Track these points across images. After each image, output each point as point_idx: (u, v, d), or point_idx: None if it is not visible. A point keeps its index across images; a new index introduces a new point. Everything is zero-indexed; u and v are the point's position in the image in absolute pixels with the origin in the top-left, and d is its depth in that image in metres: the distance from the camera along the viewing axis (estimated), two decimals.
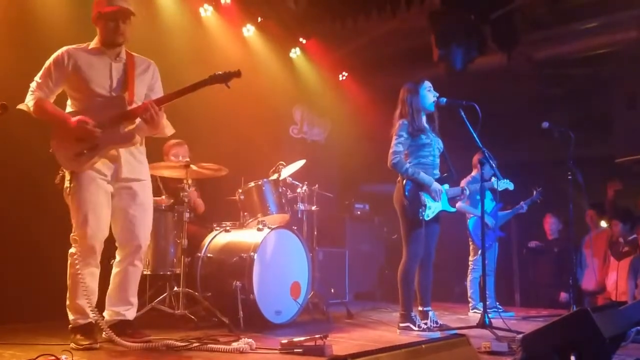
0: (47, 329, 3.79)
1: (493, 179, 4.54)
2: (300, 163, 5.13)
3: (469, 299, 5.62)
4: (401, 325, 4.14)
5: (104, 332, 3.31)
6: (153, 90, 3.57)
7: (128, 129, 3.41)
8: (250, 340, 3.36)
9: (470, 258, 5.69)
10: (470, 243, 5.69)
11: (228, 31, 6.35)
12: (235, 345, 3.28)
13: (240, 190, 4.83)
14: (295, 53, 7.27)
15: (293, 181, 5.13)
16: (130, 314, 3.50)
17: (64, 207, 3.37)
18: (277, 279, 4.44)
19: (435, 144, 4.28)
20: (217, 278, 4.41)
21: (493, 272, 5.63)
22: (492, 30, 6.23)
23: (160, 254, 4.55)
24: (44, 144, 3.37)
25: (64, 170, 3.31)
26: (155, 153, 4.88)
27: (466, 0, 6.09)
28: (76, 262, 3.21)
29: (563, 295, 6.68)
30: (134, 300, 3.53)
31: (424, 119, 4.28)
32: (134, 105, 3.41)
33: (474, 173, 5.44)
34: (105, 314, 3.42)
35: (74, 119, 3.26)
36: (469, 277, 5.64)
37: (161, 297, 4.34)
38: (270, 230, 4.42)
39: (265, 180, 4.82)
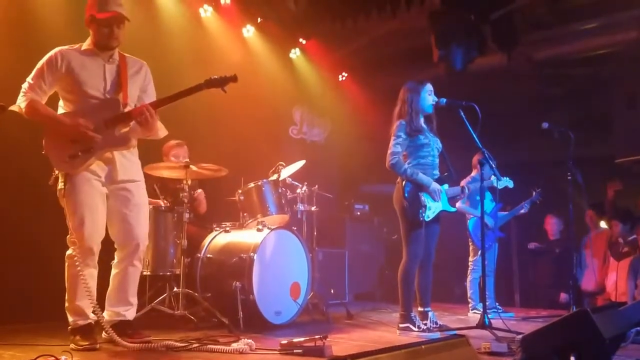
0: (47, 330, 3.79)
1: (492, 177, 4.54)
2: (300, 163, 5.13)
3: (469, 300, 5.62)
4: (401, 325, 4.14)
5: (104, 333, 3.31)
6: (146, 92, 3.56)
7: (123, 132, 3.41)
8: (249, 340, 3.36)
9: (470, 259, 5.69)
10: (470, 244, 5.69)
11: (228, 32, 6.35)
12: (235, 345, 3.28)
13: (239, 191, 4.83)
14: (295, 53, 7.27)
15: (293, 182, 5.13)
16: (130, 314, 3.49)
17: (62, 207, 3.37)
18: (277, 280, 4.44)
19: (433, 144, 4.28)
20: (216, 279, 4.41)
21: (493, 273, 5.63)
22: (492, 30, 6.23)
23: (160, 255, 4.55)
24: (41, 142, 3.36)
25: (58, 171, 3.29)
26: (155, 154, 4.88)
27: (466, 0, 6.09)
28: (77, 263, 3.21)
29: (563, 296, 6.68)
30: (134, 300, 3.53)
31: (422, 119, 4.28)
32: (128, 108, 3.41)
33: (473, 173, 5.44)
34: (105, 314, 3.41)
35: (71, 121, 3.24)
36: (469, 278, 5.64)
37: (161, 297, 4.34)
38: (270, 230, 4.42)
39: (264, 180, 4.82)
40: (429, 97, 4.25)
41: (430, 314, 4.26)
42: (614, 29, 6.35)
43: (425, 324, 4.14)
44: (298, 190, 5.13)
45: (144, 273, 4.41)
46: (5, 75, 4.16)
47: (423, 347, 2.02)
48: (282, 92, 7.01)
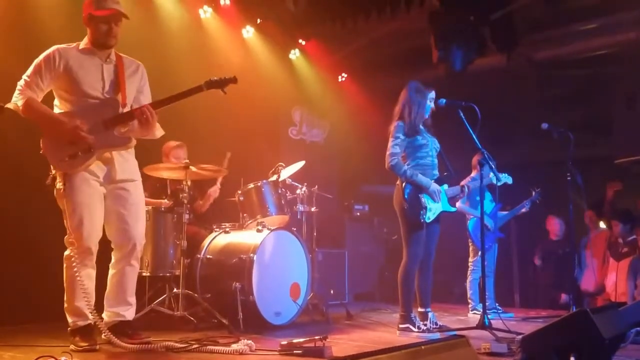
0: (47, 331, 3.79)
1: (491, 175, 4.54)
2: (300, 164, 5.13)
3: (469, 300, 5.62)
4: (401, 326, 4.14)
5: (103, 334, 3.31)
6: (142, 92, 3.56)
7: (123, 132, 3.41)
8: (249, 341, 3.36)
9: (470, 259, 5.69)
10: (470, 244, 5.69)
11: (227, 33, 6.36)
12: (234, 346, 3.28)
13: (239, 192, 4.83)
14: (294, 54, 7.27)
15: (292, 182, 5.13)
16: (130, 314, 3.49)
17: (60, 207, 3.36)
18: (277, 280, 4.44)
19: (431, 145, 4.28)
20: (216, 279, 4.40)
21: (493, 273, 5.63)
22: (491, 31, 6.23)
23: (159, 256, 4.55)
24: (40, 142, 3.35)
25: (56, 171, 3.28)
26: (155, 154, 4.89)
27: (466, 1, 6.09)
28: (74, 264, 3.20)
29: (563, 297, 6.68)
30: (133, 300, 3.52)
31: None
32: (127, 108, 3.41)
33: (473, 174, 5.44)
34: (104, 315, 3.40)
35: (69, 121, 3.22)
36: (469, 278, 5.64)
37: (161, 298, 4.34)
38: (269, 231, 4.42)
39: (264, 181, 4.82)
40: (430, 103, 4.26)
41: (430, 314, 4.25)
42: (614, 30, 6.35)
43: (425, 325, 4.14)
44: (298, 191, 5.13)
45: (144, 274, 4.41)
46: (4, 75, 4.17)
47: (423, 347, 2.02)
48: (282, 93, 7.01)
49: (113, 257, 3.48)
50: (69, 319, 3.31)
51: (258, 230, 4.43)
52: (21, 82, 3.26)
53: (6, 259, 4.23)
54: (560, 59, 6.91)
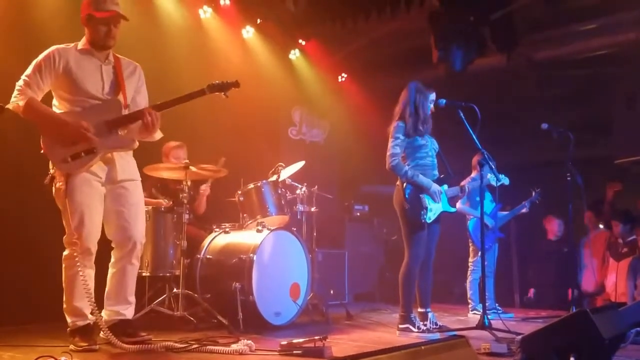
0: (47, 331, 3.79)
1: (489, 175, 4.54)
2: (300, 164, 5.13)
3: (469, 300, 5.62)
4: (400, 326, 4.14)
5: (101, 333, 3.30)
6: (139, 93, 3.56)
7: (127, 133, 3.42)
8: (249, 341, 3.36)
9: (470, 259, 5.69)
10: (470, 244, 5.69)
11: (227, 33, 6.36)
12: (234, 346, 3.28)
13: (239, 192, 4.83)
14: (294, 54, 7.27)
15: (292, 182, 5.13)
16: (130, 313, 3.49)
17: (59, 207, 3.36)
18: (277, 281, 4.44)
19: (431, 145, 4.28)
20: (216, 279, 4.40)
21: (493, 274, 5.63)
22: (491, 31, 6.23)
23: (159, 256, 4.55)
24: (39, 143, 3.35)
25: (56, 171, 3.27)
26: (155, 155, 4.89)
27: (466, 1, 6.09)
28: (77, 263, 3.20)
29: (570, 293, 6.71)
30: (132, 299, 3.52)
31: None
32: (128, 109, 3.42)
33: (473, 174, 5.44)
34: (103, 314, 3.40)
35: (73, 122, 3.21)
36: (469, 279, 5.64)
37: (160, 298, 4.34)
38: (269, 231, 4.42)
39: (264, 181, 4.82)
40: (430, 104, 4.26)
41: (430, 314, 4.26)
42: (614, 30, 6.35)
43: (425, 325, 4.14)
44: (298, 191, 5.13)
45: (144, 274, 4.41)
46: (3, 75, 4.17)
47: (423, 347, 2.02)
48: (282, 93, 7.01)
49: (113, 257, 3.48)
50: (69, 319, 3.31)
51: (258, 231, 4.43)
52: (20, 82, 3.25)
53: (6, 259, 4.22)
54: (560, 59, 6.91)
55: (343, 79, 7.92)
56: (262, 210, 4.74)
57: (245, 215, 4.80)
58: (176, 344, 3.32)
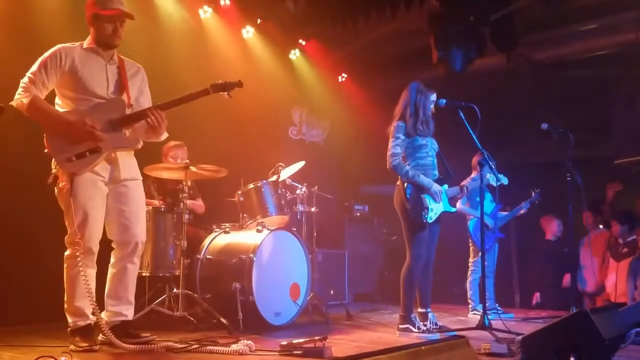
0: (47, 331, 3.79)
1: (489, 175, 4.54)
2: (300, 164, 5.13)
3: (469, 301, 5.62)
4: (401, 326, 4.14)
5: (100, 335, 3.31)
6: (143, 94, 3.57)
7: (131, 133, 3.43)
8: (249, 342, 3.36)
9: (470, 259, 5.69)
10: (471, 244, 5.69)
11: (227, 33, 6.36)
12: (234, 347, 3.28)
13: (239, 192, 4.83)
14: (294, 54, 7.27)
15: (292, 182, 5.13)
16: (131, 313, 3.49)
17: (60, 206, 3.36)
18: (277, 281, 4.44)
19: (431, 145, 4.29)
20: (216, 280, 4.40)
21: (493, 274, 5.63)
22: (491, 31, 6.23)
23: (159, 256, 4.55)
24: (40, 142, 3.34)
25: (60, 170, 3.27)
26: (155, 154, 4.88)
27: (466, 1, 6.09)
28: (79, 263, 3.20)
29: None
30: (133, 299, 3.52)
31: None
32: (132, 109, 3.42)
33: (473, 174, 5.44)
34: (104, 315, 3.39)
35: (78, 120, 3.21)
36: (469, 279, 5.64)
37: (160, 298, 4.34)
38: (269, 231, 4.42)
39: (264, 181, 4.82)
40: (431, 105, 4.26)
41: (430, 315, 4.26)
42: (613, 31, 6.35)
43: (425, 325, 4.14)
44: (298, 191, 5.13)
45: (144, 274, 4.41)
46: (4, 74, 4.18)
47: (423, 348, 2.02)
48: (282, 93, 7.01)
49: (114, 256, 3.47)
50: (69, 319, 3.31)
51: (258, 231, 4.43)
52: (25, 80, 3.24)
53: (6, 259, 4.22)
54: (560, 60, 6.91)
55: (343, 79, 7.93)
56: (262, 211, 4.74)
57: (245, 215, 4.80)
58: (176, 344, 3.32)
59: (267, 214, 4.72)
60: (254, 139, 6.26)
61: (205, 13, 6.14)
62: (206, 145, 5.46)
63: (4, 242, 4.23)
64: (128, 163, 3.46)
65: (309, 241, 5.27)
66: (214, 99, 3.64)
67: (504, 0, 6.10)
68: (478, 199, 4.74)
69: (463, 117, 4.19)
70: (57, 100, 3.37)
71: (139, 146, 3.49)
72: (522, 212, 5.85)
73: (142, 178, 3.60)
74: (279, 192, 4.87)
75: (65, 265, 3.31)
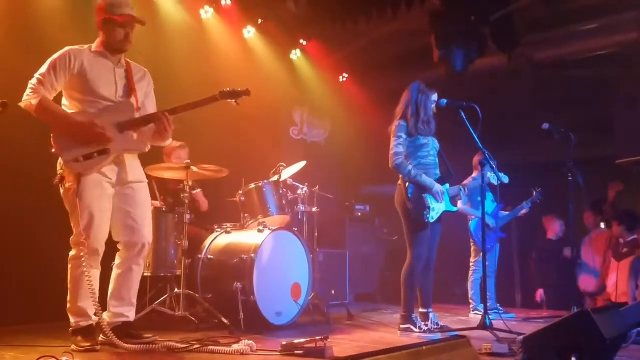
0: (49, 331, 3.80)
1: (489, 174, 4.54)
2: (301, 164, 5.13)
3: (470, 301, 5.62)
4: (402, 326, 4.14)
5: (101, 336, 3.31)
6: (148, 98, 3.60)
7: (139, 135, 3.46)
8: (250, 342, 3.36)
9: (472, 259, 5.69)
10: (472, 244, 5.69)
11: (229, 33, 6.37)
12: (235, 347, 3.29)
13: (240, 192, 4.84)
14: (295, 54, 7.28)
15: (294, 182, 5.13)
16: (132, 314, 3.50)
17: (65, 208, 3.37)
18: (278, 281, 4.44)
19: (432, 144, 4.29)
20: (217, 280, 4.41)
21: (494, 274, 5.63)
22: (492, 31, 6.23)
23: (160, 256, 4.55)
24: (43, 142, 3.35)
25: (66, 171, 3.27)
26: (156, 155, 4.89)
27: (467, 1, 6.09)
28: (84, 264, 3.20)
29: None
30: (135, 301, 3.53)
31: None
32: (139, 112, 3.45)
33: (474, 174, 5.44)
34: (105, 315, 3.40)
35: (87, 121, 3.22)
36: (470, 279, 5.63)
37: (162, 298, 4.34)
38: (270, 231, 4.42)
39: (265, 181, 4.82)
40: (432, 105, 4.26)
41: (431, 315, 4.26)
42: (614, 30, 6.35)
43: (427, 325, 4.14)
44: (299, 191, 5.14)
45: (145, 274, 4.41)
46: (6, 73, 4.18)
47: (424, 348, 2.03)
48: (283, 93, 7.02)
49: (119, 258, 3.48)
50: (72, 319, 3.31)
51: (259, 231, 4.43)
52: (34, 81, 3.25)
53: (8, 259, 4.23)
54: (561, 59, 6.90)
55: (344, 79, 7.93)
56: (263, 211, 4.74)
57: (246, 215, 4.81)
58: (177, 344, 3.32)
59: (268, 214, 4.72)
60: (255, 139, 6.27)
61: (207, 13, 6.15)
62: (207, 146, 5.47)
63: (5, 242, 4.24)
64: (134, 165, 3.49)
65: (310, 241, 5.27)
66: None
67: (505, 0, 6.10)
68: (479, 198, 4.74)
69: (464, 117, 4.19)
70: (64, 101, 3.38)
71: (147, 149, 3.52)
72: (523, 212, 5.85)
73: (147, 180, 3.61)
74: (280, 192, 4.87)
75: (69, 266, 3.32)
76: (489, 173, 4.54)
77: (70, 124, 3.23)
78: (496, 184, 4.66)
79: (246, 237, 4.49)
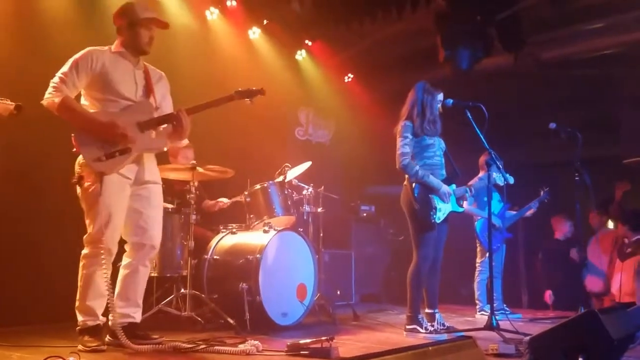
0: (55, 331, 3.81)
1: (495, 175, 4.52)
2: (306, 165, 5.13)
3: (476, 301, 5.61)
4: (408, 327, 4.13)
5: (107, 337, 3.32)
6: (165, 99, 3.64)
7: (159, 135, 3.49)
8: (256, 342, 3.37)
9: (478, 260, 5.68)
10: (478, 245, 5.67)
11: (234, 34, 6.38)
12: (241, 347, 3.29)
13: (246, 192, 4.84)
14: (300, 55, 7.28)
15: (299, 183, 5.14)
16: (138, 316, 3.50)
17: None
18: (283, 281, 4.44)
19: (438, 144, 4.28)
20: (223, 280, 4.41)
21: (500, 274, 5.62)
22: (498, 31, 6.22)
23: (167, 256, 4.56)
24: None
25: (85, 170, 3.28)
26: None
27: (472, 1, 6.08)
28: (102, 262, 3.21)
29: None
30: (141, 302, 3.53)
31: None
32: (158, 112, 3.48)
33: (480, 174, 5.43)
34: (111, 316, 3.40)
35: (108, 122, 3.24)
36: (476, 279, 5.63)
37: (168, 299, 4.35)
38: (276, 232, 4.42)
39: (271, 182, 4.82)
40: (438, 104, 4.26)
41: (437, 315, 4.25)
42: (620, 30, 6.32)
43: (433, 326, 4.13)
44: (304, 192, 5.14)
45: (151, 274, 4.41)
46: (12, 74, 4.20)
47: (430, 348, 2.02)
48: (288, 94, 7.02)
49: (127, 258, 3.49)
50: (79, 317, 3.32)
51: (264, 231, 4.44)
52: (56, 80, 3.27)
53: (13, 261, 4.25)
54: (567, 59, 6.88)
55: (349, 80, 7.93)
56: (268, 211, 4.75)
57: (251, 215, 4.81)
58: (184, 344, 3.33)
59: (273, 215, 4.72)
60: (260, 139, 6.27)
61: (212, 14, 6.16)
62: (213, 146, 5.48)
63: (11, 243, 4.26)
64: (152, 165, 3.52)
65: (315, 242, 5.27)
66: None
67: None
68: (486, 199, 4.73)
69: (470, 116, 4.18)
70: (83, 101, 3.40)
71: (165, 149, 3.56)
72: (531, 211, 5.83)
73: (161, 182, 3.62)
74: (286, 192, 4.87)
75: (81, 264, 3.32)
76: (495, 173, 4.53)
77: (93, 123, 3.26)
78: (502, 184, 4.65)
79: (252, 238, 4.49)
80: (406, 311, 4.19)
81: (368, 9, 6.28)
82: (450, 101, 4.25)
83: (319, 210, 5.32)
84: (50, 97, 3.24)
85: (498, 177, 4.58)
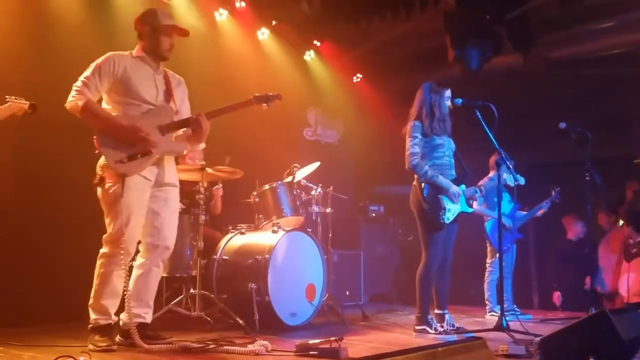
0: (66, 331, 3.83)
1: (505, 175, 4.50)
2: (315, 165, 5.13)
3: (486, 302, 5.58)
4: (417, 327, 4.12)
5: (117, 337, 3.34)
6: (184, 104, 3.69)
7: (178, 138, 3.55)
8: (265, 342, 3.38)
9: (488, 260, 5.65)
10: (488, 245, 5.65)
11: (243, 35, 6.40)
12: (250, 347, 3.30)
13: (255, 193, 4.85)
14: (309, 55, 7.29)
15: (307, 183, 5.14)
16: (149, 317, 3.52)
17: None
18: (292, 281, 4.44)
19: (447, 145, 4.26)
20: (232, 280, 4.42)
21: (511, 275, 5.59)
22: (507, 30, 6.19)
23: (176, 256, 4.57)
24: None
25: (107, 172, 3.31)
26: None
27: (481, 0, 6.06)
28: (122, 262, 3.25)
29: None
30: (152, 303, 3.56)
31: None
32: (177, 116, 3.53)
33: (490, 174, 5.40)
34: (123, 316, 3.43)
35: (130, 125, 3.28)
36: (486, 280, 5.60)
37: (177, 299, 4.37)
38: (285, 232, 4.43)
39: (279, 182, 4.83)
40: (447, 102, 4.24)
41: (447, 316, 4.23)
42: (630, 29, 6.28)
43: (442, 326, 4.12)
44: (313, 192, 5.14)
45: (161, 275, 4.44)
46: (19, 76, 4.23)
47: (439, 349, 2.02)
48: (297, 94, 7.02)
49: (140, 258, 3.51)
50: (92, 315, 3.34)
51: (273, 232, 4.44)
52: (79, 83, 3.32)
53: (25, 261, 4.28)
54: (576, 58, 6.84)
55: (358, 80, 7.92)
56: (277, 211, 4.75)
57: (260, 216, 4.82)
58: (193, 344, 3.34)
59: (282, 215, 4.73)
60: (269, 140, 6.28)
61: (221, 15, 6.18)
62: (221, 147, 5.48)
63: (23, 244, 4.29)
64: (171, 168, 3.56)
65: (324, 242, 5.27)
66: (230, 100, 3.68)
67: None
68: (496, 199, 4.71)
69: (480, 116, 4.16)
70: (105, 104, 3.44)
71: (185, 152, 3.61)
72: (541, 211, 5.79)
73: (179, 185, 3.65)
74: (294, 193, 4.88)
75: (99, 262, 3.36)
76: (505, 174, 4.51)
77: (115, 126, 3.30)
78: (512, 185, 4.63)
79: (260, 238, 4.50)
80: (415, 312, 4.18)
81: (377, 8, 6.27)
82: (459, 100, 4.24)
83: (328, 210, 5.32)
84: (73, 100, 3.28)
85: (508, 178, 4.56)
